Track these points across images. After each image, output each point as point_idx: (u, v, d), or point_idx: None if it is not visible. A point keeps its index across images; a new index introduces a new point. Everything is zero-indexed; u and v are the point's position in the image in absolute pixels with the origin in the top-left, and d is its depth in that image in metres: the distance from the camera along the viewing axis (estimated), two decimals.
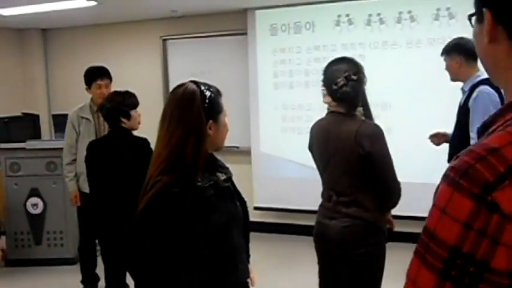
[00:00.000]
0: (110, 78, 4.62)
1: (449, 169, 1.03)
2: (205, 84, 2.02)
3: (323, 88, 2.89)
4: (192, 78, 2.07)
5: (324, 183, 2.99)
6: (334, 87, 2.78)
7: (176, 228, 1.90)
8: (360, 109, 2.86)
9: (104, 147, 3.77)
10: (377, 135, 2.78)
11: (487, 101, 3.86)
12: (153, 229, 1.92)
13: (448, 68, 4.08)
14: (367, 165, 2.75)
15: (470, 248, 0.93)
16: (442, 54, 4.08)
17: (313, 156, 3.05)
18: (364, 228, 2.81)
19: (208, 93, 1.98)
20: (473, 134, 3.87)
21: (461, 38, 4.10)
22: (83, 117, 4.61)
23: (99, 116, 4.63)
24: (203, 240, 1.94)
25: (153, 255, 1.92)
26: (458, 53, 4.03)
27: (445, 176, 1.03)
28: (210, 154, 2.05)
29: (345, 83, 2.77)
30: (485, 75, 4.01)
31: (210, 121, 1.96)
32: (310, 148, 3.06)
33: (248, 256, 2.40)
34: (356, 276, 2.87)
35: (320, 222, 2.96)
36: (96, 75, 4.58)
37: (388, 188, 2.83)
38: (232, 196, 2.10)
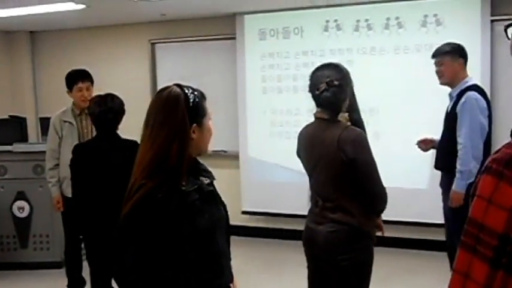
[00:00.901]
0: (91, 81, 4.60)
1: (491, 161, 1.04)
2: (189, 87, 2.01)
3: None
4: (177, 82, 2.07)
5: (311, 189, 3.01)
6: (316, 92, 2.80)
7: (161, 233, 1.89)
8: (345, 115, 2.86)
9: (92, 150, 3.74)
10: (360, 141, 2.78)
11: (475, 107, 3.89)
12: (137, 234, 1.91)
13: (445, 70, 4.03)
14: (351, 171, 2.76)
15: None
16: (442, 55, 4.03)
17: (302, 162, 3.07)
18: (350, 234, 2.82)
19: (192, 97, 1.96)
20: (460, 139, 3.90)
21: (455, 43, 4.11)
22: (65, 121, 4.58)
23: (82, 119, 4.61)
24: (188, 244, 1.93)
25: (137, 261, 1.91)
26: (460, 56, 4.03)
27: (487, 168, 1.04)
28: (194, 158, 2.04)
29: (326, 89, 2.77)
30: (472, 82, 4.05)
31: (194, 125, 1.95)
32: (298, 154, 3.08)
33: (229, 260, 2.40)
34: (343, 281, 2.87)
35: (308, 226, 2.97)
36: (76, 78, 4.55)
37: (373, 193, 2.84)
38: (216, 200, 2.09)
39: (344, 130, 2.79)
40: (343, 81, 2.82)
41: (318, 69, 2.90)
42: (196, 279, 1.97)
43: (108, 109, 3.68)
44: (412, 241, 5.75)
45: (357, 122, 2.94)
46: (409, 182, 5.52)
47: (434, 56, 4.11)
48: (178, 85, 2.01)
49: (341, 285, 2.88)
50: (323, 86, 2.78)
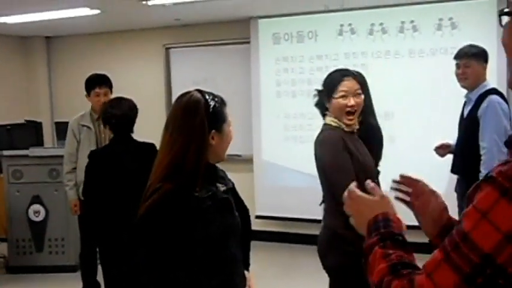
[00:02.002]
0: (110, 87, 4.61)
1: (497, 173, 0.97)
2: (210, 93, 2.02)
3: None
4: (196, 87, 2.08)
5: None
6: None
7: (173, 236, 1.90)
8: (331, 118, 2.86)
9: (107, 155, 3.75)
10: (324, 142, 2.80)
11: (498, 110, 3.81)
12: (150, 236, 1.93)
13: (470, 73, 3.94)
14: (320, 174, 2.83)
15: (505, 261, 0.90)
16: (468, 57, 3.94)
17: None
18: (329, 236, 2.83)
19: (212, 103, 1.98)
20: (484, 144, 3.81)
21: (480, 46, 4.02)
22: (83, 125, 4.60)
23: (100, 124, 4.61)
24: (200, 249, 1.94)
25: (148, 262, 1.93)
26: (484, 60, 3.96)
27: (491, 179, 0.97)
28: (212, 164, 2.05)
29: (314, 94, 2.93)
30: (491, 85, 3.98)
31: (213, 131, 1.96)
32: None
33: (248, 265, 2.40)
34: (332, 285, 2.89)
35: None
36: (94, 83, 4.57)
37: (338, 200, 2.78)
38: (230, 208, 2.08)
39: (320, 132, 2.86)
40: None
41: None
42: (207, 284, 1.97)
43: (123, 114, 3.69)
44: (428, 246, 5.69)
45: (372, 126, 2.92)
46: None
47: (458, 57, 4.01)
48: (199, 91, 2.02)
49: None
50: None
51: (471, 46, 4.03)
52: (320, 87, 2.91)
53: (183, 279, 1.93)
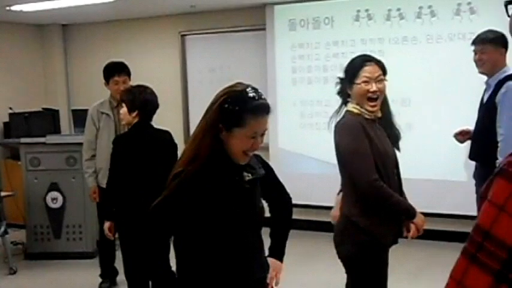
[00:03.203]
0: (128, 74, 4.61)
1: (507, 164, 0.95)
2: (255, 94, 1.99)
3: None
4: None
5: None
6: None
7: (190, 218, 1.97)
8: (353, 105, 2.82)
9: (127, 141, 3.76)
10: (344, 128, 2.76)
11: None
12: (168, 216, 2.01)
13: (487, 59, 3.90)
14: (339, 160, 2.79)
15: None
16: (485, 43, 3.90)
17: None
18: (345, 225, 2.80)
19: (228, 103, 1.95)
20: (501, 130, 3.76)
21: (497, 31, 3.96)
22: (103, 113, 4.61)
23: (119, 111, 4.63)
24: (216, 236, 1.99)
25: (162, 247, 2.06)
26: (502, 45, 3.91)
27: (502, 171, 0.95)
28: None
29: (337, 82, 2.87)
30: (511, 71, 3.92)
31: (220, 125, 1.96)
32: None
33: (281, 254, 2.42)
34: (348, 274, 2.88)
35: None
36: (113, 71, 4.57)
37: (357, 186, 2.72)
38: (252, 197, 2.09)
39: (341, 119, 2.83)
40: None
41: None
42: (224, 271, 2.01)
43: (153, 100, 3.73)
44: (447, 233, 5.65)
45: (385, 115, 2.88)
46: (443, 174, 5.42)
47: (475, 43, 3.97)
48: (247, 85, 2.03)
49: (351, 279, 2.89)
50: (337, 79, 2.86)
51: (488, 31, 3.97)
52: (341, 75, 2.86)
53: (197, 262, 2.00)
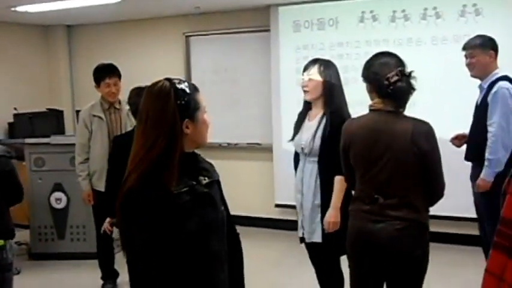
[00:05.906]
0: (119, 76, 4.61)
1: None
2: (181, 81, 1.95)
3: (367, 84, 2.79)
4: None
5: (364, 185, 2.81)
6: (386, 82, 2.67)
7: (148, 232, 1.83)
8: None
9: (127, 142, 3.75)
10: (432, 134, 2.73)
11: (506, 96, 3.88)
12: (126, 228, 1.89)
13: (476, 63, 4.00)
14: (420, 166, 2.67)
15: None
16: (472, 48, 4.00)
17: (350, 158, 2.86)
18: (418, 229, 2.73)
19: (183, 91, 1.91)
20: (491, 128, 3.86)
21: (485, 35, 4.05)
22: (94, 116, 4.61)
23: (111, 113, 4.64)
24: (179, 246, 1.85)
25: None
26: (491, 48, 4.00)
27: None
28: (193, 156, 1.98)
29: (399, 79, 2.68)
30: (502, 73, 3.99)
31: (186, 120, 1.88)
32: (347, 149, 2.88)
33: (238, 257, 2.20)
34: (412, 277, 2.81)
35: (362, 226, 2.79)
36: (104, 73, 4.57)
37: (436, 187, 2.76)
38: (212, 202, 1.97)
39: (416, 123, 2.73)
40: (410, 71, 2.76)
41: (377, 57, 2.80)
42: (189, 282, 1.90)
43: None
44: (448, 235, 5.64)
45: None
46: (446, 176, 5.39)
47: (464, 48, 4.08)
48: (168, 79, 1.94)
49: (410, 282, 2.81)
50: (395, 76, 2.68)
51: (476, 37, 4.08)
52: (363, 73, 2.82)
53: (161, 276, 1.84)
